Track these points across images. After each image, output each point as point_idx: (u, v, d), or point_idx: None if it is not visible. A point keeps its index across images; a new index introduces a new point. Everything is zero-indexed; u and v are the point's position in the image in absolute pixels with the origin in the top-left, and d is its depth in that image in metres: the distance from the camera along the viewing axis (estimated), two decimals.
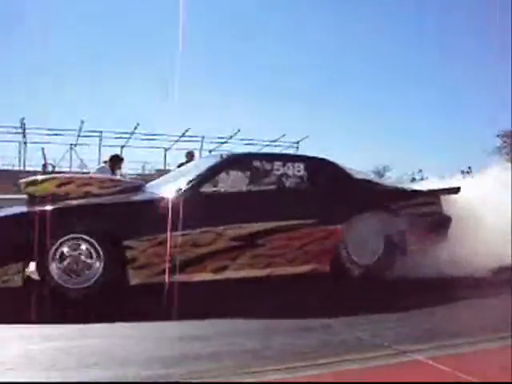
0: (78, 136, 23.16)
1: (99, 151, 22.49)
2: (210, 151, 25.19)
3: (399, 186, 7.20)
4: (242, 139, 25.09)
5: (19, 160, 22.70)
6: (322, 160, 6.49)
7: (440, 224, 6.11)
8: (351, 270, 5.70)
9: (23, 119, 21.25)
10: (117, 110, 37.91)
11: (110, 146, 21.93)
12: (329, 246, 5.64)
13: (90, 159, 22.52)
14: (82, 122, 22.17)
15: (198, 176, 5.56)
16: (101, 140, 23.36)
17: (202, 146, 24.79)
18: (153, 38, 43.40)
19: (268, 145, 26.01)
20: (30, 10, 38.17)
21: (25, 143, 22.74)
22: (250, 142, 25.54)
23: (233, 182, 5.78)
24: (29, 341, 3.49)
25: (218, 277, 5.22)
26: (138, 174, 21.50)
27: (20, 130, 22.21)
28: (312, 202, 5.72)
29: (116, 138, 23.51)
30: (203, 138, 24.65)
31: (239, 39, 45.30)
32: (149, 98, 42.71)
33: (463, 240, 5.82)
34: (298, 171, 5.97)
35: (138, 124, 22.92)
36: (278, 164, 5.93)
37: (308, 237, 5.56)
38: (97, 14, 41.50)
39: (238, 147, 25.22)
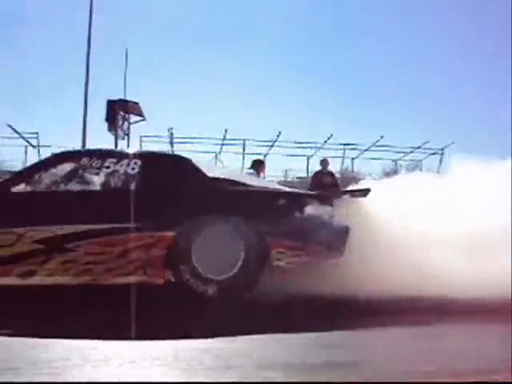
0: (222, 144, 23.90)
1: (243, 159, 23.04)
2: (353, 159, 25.06)
3: (281, 187, 6.04)
4: (386, 145, 24.60)
5: None
6: (168, 156, 6.02)
7: (331, 235, 5.08)
8: (196, 284, 4.86)
9: (171, 129, 22.25)
10: (259, 119, 38.66)
11: (253, 154, 22.36)
12: (158, 256, 4.89)
13: (235, 167, 23.18)
14: (226, 130, 22.85)
15: (12, 176, 5.40)
16: (244, 148, 23.94)
17: (344, 153, 24.67)
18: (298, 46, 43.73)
19: (411, 151, 25.33)
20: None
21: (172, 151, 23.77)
22: (393, 149, 25.02)
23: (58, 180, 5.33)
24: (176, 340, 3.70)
25: (26, 282, 4.85)
26: (281, 181, 21.88)
27: (168, 139, 23.24)
28: (140, 204, 4.93)
29: (259, 146, 24.01)
30: (345, 145, 24.50)
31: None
32: (291, 106, 43.05)
33: (363, 257, 4.92)
34: (133, 169, 5.30)
35: (279, 132, 23.24)
36: (109, 161, 5.31)
37: (131, 243, 4.88)
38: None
39: (379, 154, 24.86)
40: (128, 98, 17.36)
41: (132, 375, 2.92)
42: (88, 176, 5.34)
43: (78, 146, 18.02)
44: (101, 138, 18.42)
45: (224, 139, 23.38)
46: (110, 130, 17.53)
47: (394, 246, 4.98)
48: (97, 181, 5.32)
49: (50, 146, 20.54)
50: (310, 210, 5.14)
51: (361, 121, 39.10)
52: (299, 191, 5.80)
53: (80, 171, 5.36)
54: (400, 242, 5.03)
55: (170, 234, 4.88)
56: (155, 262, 4.89)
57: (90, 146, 17.97)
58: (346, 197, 5.43)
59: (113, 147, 18.04)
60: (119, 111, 17.20)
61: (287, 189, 5.95)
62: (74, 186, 5.29)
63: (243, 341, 3.73)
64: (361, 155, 25.19)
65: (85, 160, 5.38)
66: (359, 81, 43.32)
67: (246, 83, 42.77)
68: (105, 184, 5.31)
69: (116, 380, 2.79)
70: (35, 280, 4.86)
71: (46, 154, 19.92)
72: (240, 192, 5.30)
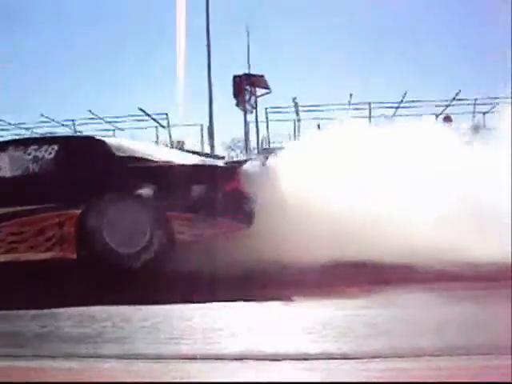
0: (348, 109, 23.50)
1: (369, 122, 22.63)
2: (484, 113, 23.87)
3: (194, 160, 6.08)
4: None
5: (294, 137, 23.84)
6: (82, 139, 6.32)
7: (238, 206, 5.11)
8: (109, 258, 5.12)
9: (295, 98, 22.21)
10: (384, 81, 37.73)
11: (379, 116, 21.90)
12: (69, 233, 5.25)
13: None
14: (351, 95, 22.48)
15: None
16: (370, 112, 23.51)
17: (474, 108, 23.54)
18: None
19: None
20: None
21: (298, 120, 23.75)
22: None
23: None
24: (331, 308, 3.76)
25: None
26: None
27: (293, 109, 23.23)
28: (54, 186, 5.39)
29: (385, 108, 23.46)
30: (476, 100, 23.38)
31: None
32: (415, 64, 41.74)
33: (273, 227, 4.89)
34: (50, 154, 5.65)
35: (405, 92, 22.62)
36: (32, 148, 5.71)
37: (46, 222, 5.32)
38: None
39: None
40: (253, 72, 17.62)
41: (280, 344, 2.99)
42: (13, 163, 5.77)
43: (206, 124, 18.65)
44: (230, 115, 18.93)
45: (349, 104, 23.01)
46: (238, 105, 17.88)
47: (306, 214, 4.96)
48: (20, 167, 5.75)
49: (178, 126, 21.37)
50: (216, 182, 5.23)
51: (491, 73, 37.22)
52: (205, 164, 5.94)
53: (7, 160, 5.81)
54: (313, 209, 5.00)
55: (77, 211, 5.23)
56: (67, 238, 5.28)
57: (218, 122, 18.52)
58: (256, 166, 5.44)
59: (242, 122, 18.51)
60: (245, 86, 17.47)
61: (195, 161, 6.07)
62: (1, 174, 5.77)
63: (397, 307, 3.74)
64: (493, 109, 23.90)
65: (12, 148, 5.91)
66: (484, 32, 41.21)
67: (368, 45, 41.93)
68: (26, 170, 5.71)
69: (268, 350, 2.87)
70: None
71: (175, 133, 20.82)
72: (144, 168, 5.45)
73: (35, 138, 7.91)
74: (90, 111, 21.49)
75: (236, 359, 2.74)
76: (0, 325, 3.74)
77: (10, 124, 21.84)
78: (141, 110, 20.98)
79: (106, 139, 6.05)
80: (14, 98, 31.92)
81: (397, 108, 23.44)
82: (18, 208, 5.44)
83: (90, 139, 6.18)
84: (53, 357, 2.93)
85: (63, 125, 21.97)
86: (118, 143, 5.97)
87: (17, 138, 8.63)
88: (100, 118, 21.86)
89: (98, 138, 6.11)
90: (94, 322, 3.64)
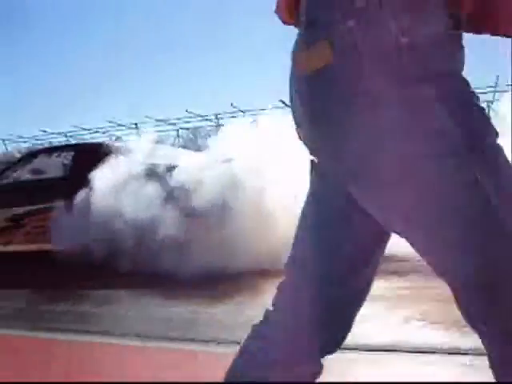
0: (495, 92, 21.46)
1: None
2: None
3: None
4: None
5: None
6: (91, 145, 6.81)
7: None
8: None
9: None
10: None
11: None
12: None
13: None
14: (498, 76, 20.86)
15: None
16: None
17: None
18: None
19: None
20: None
21: None
22: None
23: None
24: None
25: (6, 249, 6.23)
26: None
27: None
28: (66, 186, 5.97)
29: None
30: None
31: None
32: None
33: None
34: (67, 159, 6.41)
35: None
36: (55, 155, 6.52)
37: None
38: None
39: None
40: None
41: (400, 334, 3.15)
42: (47, 167, 6.66)
43: None
44: None
45: (496, 86, 21.48)
46: None
47: None
48: (49, 171, 6.63)
49: None
50: None
51: None
52: None
53: (40, 164, 6.71)
54: None
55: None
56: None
57: None
58: None
59: None
60: None
61: None
62: (34, 176, 6.68)
63: None
64: None
65: (42, 155, 6.87)
66: None
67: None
68: (49, 173, 6.64)
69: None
70: (12, 248, 6.26)
71: None
72: None
73: (53, 147, 9.07)
74: (231, 105, 21.75)
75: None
76: None
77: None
78: (281, 101, 18.36)
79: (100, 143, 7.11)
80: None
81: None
82: (36, 207, 6.17)
83: (93, 146, 7.08)
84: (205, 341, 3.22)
85: (207, 119, 23.03)
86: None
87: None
88: (241, 111, 21.69)
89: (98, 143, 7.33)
90: None
